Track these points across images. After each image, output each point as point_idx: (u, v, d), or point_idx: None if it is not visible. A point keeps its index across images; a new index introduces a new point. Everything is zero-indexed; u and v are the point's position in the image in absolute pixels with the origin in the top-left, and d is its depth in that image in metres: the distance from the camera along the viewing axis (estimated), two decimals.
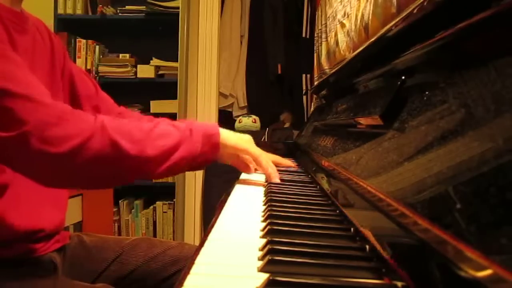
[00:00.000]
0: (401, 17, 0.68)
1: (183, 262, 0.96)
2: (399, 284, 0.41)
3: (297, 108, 2.80)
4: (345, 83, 1.24)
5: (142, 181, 2.45)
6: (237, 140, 0.92)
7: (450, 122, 0.46)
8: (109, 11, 2.73)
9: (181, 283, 0.42)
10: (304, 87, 2.78)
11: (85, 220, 2.48)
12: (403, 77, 0.68)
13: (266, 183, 0.97)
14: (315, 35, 2.16)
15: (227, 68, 2.83)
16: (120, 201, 2.68)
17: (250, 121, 2.66)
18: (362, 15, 1.09)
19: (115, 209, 2.64)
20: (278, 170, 1.00)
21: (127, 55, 2.74)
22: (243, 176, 1.05)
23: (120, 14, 2.71)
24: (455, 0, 0.52)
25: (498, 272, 0.27)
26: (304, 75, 2.77)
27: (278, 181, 0.96)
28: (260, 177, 1.03)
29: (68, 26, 2.73)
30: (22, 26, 0.85)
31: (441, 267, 0.33)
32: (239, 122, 2.68)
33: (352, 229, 0.59)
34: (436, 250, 0.34)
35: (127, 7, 2.70)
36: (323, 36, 1.80)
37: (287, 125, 2.82)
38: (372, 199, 0.54)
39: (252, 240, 0.56)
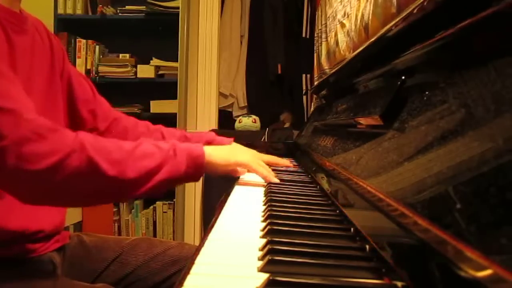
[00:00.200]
0: (401, 17, 0.68)
1: (183, 262, 0.96)
2: (399, 284, 0.41)
3: (297, 108, 2.80)
4: (345, 83, 1.24)
5: None
6: (225, 156, 0.90)
7: (450, 122, 0.46)
8: (109, 11, 2.73)
9: (181, 283, 0.42)
10: (304, 87, 2.77)
11: (85, 220, 2.49)
12: (403, 77, 0.68)
13: (266, 184, 0.97)
14: (315, 35, 2.16)
15: (227, 68, 2.83)
16: None
17: (250, 121, 2.66)
18: (362, 15, 1.09)
19: (115, 209, 2.64)
20: (278, 170, 1.00)
21: (127, 55, 2.73)
22: (243, 176, 1.05)
23: (120, 14, 2.70)
24: (455, 0, 0.52)
25: (498, 272, 0.27)
26: (304, 75, 2.76)
27: (275, 181, 0.96)
28: (260, 178, 1.03)
29: (68, 26, 2.73)
30: (21, 26, 0.84)
31: (441, 267, 0.33)
32: (239, 122, 2.67)
33: (352, 229, 0.59)
34: (436, 250, 0.34)
35: (127, 7, 2.70)
36: (323, 36, 1.80)
37: (287, 125, 2.81)
38: (372, 199, 0.54)
39: (252, 240, 0.56)
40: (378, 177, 0.57)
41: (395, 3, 0.88)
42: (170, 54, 2.61)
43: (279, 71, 2.78)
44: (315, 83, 2.03)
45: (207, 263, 0.48)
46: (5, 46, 0.78)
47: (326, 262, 0.46)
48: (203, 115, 2.61)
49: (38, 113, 0.85)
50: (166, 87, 2.59)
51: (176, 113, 2.48)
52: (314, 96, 2.14)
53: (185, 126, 2.49)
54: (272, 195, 0.81)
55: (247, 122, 2.66)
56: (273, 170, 1.09)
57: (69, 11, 2.71)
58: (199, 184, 2.56)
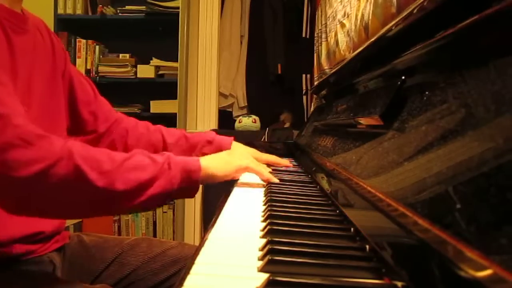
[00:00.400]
0: (401, 17, 0.68)
1: (183, 262, 0.96)
2: (399, 284, 0.41)
3: (297, 108, 2.80)
4: (345, 83, 1.24)
5: None
6: (223, 166, 0.87)
7: (450, 122, 0.46)
8: (109, 11, 2.73)
9: (181, 283, 0.42)
10: (304, 87, 2.78)
11: (85, 220, 2.48)
12: (403, 77, 0.68)
13: (266, 184, 0.97)
14: (315, 35, 2.16)
15: (227, 68, 2.83)
16: None
17: (250, 121, 2.66)
18: (362, 15, 1.09)
19: None
20: (278, 170, 1.00)
21: (127, 55, 2.74)
22: (243, 177, 1.05)
23: (120, 14, 2.71)
24: (455, 0, 0.52)
25: (498, 272, 0.27)
26: (304, 75, 2.77)
27: (275, 181, 0.96)
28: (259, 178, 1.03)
29: (68, 26, 2.73)
30: (22, 26, 0.84)
31: (441, 267, 0.33)
32: (239, 122, 2.68)
33: (352, 229, 0.59)
34: (436, 250, 0.34)
35: (127, 7, 2.70)
36: (323, 36, 1.80)
37: (287, 125, 2.81)
38: (372, 199, 0.54)
39: (252, 240, 0.56)
40: (378, 177, 0.57)
41: (395, 3, 0.88)
42: (170, 54, 2.61)
43: (279, 71, 2.78)
44: (315, 83, 2.03)
45: (207, 263, 0.48)
46: (5, 47, 0.77)
47: (326, 262, 0.46)
48: (203, 115, 2.61)
49: (39, 113, 0.86)
50: (166, 87, 2.59)
51: (176, 113, 2.49)
52: (314, 96, 2.14)
53: (185, 126, 2.49)
54: (272, 195, 0.81)
55: (247, 122, 2.66)
56: (273, 170, 1.09)
57: (69, 11, 2.71)
58: None
